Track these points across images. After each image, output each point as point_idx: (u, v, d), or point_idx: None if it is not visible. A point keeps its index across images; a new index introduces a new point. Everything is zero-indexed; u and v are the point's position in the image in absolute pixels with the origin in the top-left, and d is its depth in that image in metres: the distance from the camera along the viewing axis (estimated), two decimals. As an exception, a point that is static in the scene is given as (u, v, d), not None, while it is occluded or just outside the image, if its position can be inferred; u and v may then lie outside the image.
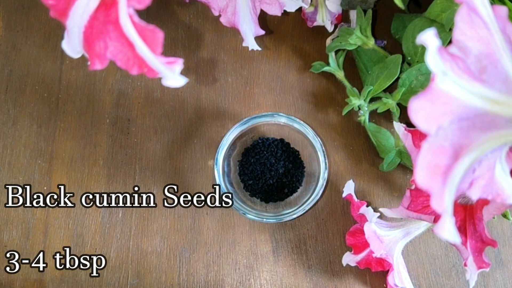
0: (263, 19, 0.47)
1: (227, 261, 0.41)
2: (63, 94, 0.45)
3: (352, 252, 0.39)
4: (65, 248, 0.41)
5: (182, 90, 0.45)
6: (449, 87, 0.19)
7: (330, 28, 0.45)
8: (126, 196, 0.43)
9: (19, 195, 0.43)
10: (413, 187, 0.32)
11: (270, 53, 0.47)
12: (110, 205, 0.42)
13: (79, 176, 0.43)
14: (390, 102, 0.40)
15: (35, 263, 0.41)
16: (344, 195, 0.39)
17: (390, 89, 0.41)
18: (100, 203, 0.43)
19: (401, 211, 0.33)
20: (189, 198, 0.43)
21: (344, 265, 0.39)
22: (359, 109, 0.42)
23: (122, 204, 0.42)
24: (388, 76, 0.40)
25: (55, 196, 0.43)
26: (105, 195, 0.43)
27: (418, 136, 0.30)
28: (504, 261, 0.42)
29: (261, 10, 0.41)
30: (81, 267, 0.41)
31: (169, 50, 0.47)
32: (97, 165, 0.43)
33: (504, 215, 0.36)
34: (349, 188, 0.39)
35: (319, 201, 0.42)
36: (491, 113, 0.20)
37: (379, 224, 0.37)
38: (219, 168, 0.40)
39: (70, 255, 0.41)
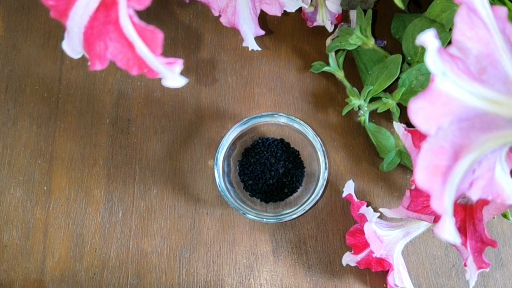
0: (263, 19, 0.47)
1: (227, 261, 0.41)
2: (63, 94, 0.45)
3: (352, 252, 0.39)
4: (65, 248, 0.41)
5: (182, 90, 0.45)
6: (448, 87, 0.19)
7: (330, 28, 0.45)
8: (126, 196, 0.43)
9: (19, 195, 0.43)
10: (413, 187, 0.32)
11: (270, 53, 0.47)
12: (110, 205, 0.42)
13: (79, 176, 0.43)
14: (390, 102, 0.40)
15: (35, 263, 0.41)
16: (344, 195, 0.39)
17: (390, 89, 0.41)
18: (100, 203, 0.43)
19: (401, 211, 0.33)
20: (189, 198, 0.43)
21: (344, 265, 0.39)
22: (359, 109, 0.42)
23: (122, 204, 0.43)
24: (388, 76, 0.40)
25: (55, 196, 0.43)
26: (105, 195, 0.43)
27: (418, 136, 0.30)
28: (504, 261, 0.42)
29: (261, 10, 0.41)
30: (81, 267, 0.41)
31: (169, 50, 0.47)
32: (97, 165, 0.43)
33: (504, 215, 0.36)
34: (349, 188, 0.39)
35: (319, 201, 0.42)
36: (491, 113, 0.20)
37: (379, 224, 0.37)
38: (219, 168, 0.40)
39: (70, 255, 0.41)
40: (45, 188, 0.43)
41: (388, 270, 0.37)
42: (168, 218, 0.42)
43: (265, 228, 0.42)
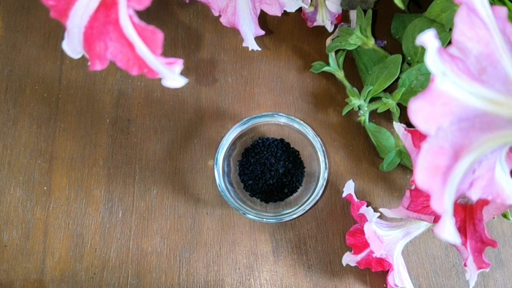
0: (263, 19, 0.47)
1: (227, 261, 0.41)
2: (63, 94, 0.45)
3: (352, 252, 0.39)
4: (65, 248, 0.41)
5: (182, 90, 0.45)
6: (448, 87, 0.19)
7: (330, 28, 0.45)
8: (126, 196, 0.43)
9: (19, 195, 0.43)
10: (413, 187, 0.32)
11: (270, 53, 0.47)
12: (110, 205, 0.42)
13: (79, 176, 0.43)
14: (390, 102, 0.40)
15: (35, 263, 0.41)
16: (344, 195, 0.39)
17: (390, 89, 0.41)
18: (100, 203, 0.43)
19: (401, 211, 0.33)
20: (189, 198, 0.43)
21: (344, 265, 0.39)
22: (359, 109, 0.42)
23: (122, 204, 0.43)
24: (388, 76, 0.40)
25: (55, 196, 0.43)
26: (105, 195, 0.43)
27: (418, 137, 0.30)
28: (504, 261, 0.42)
29: (261, 10, 0.41)
30: (81, 267, 0.41)
31: (169, 50, 0.47)
32: (97, 165, 0.43)
33: (504, 215, 0.36)
34: (349, 188, 0.39)
35: (319, 201, 0.42)
36: (491, 113, 0.20)
37: (379, 224, 0.37)
38: (219, 168, 0.40)
39: (70, 255, 0.41)
40: (45, 188, 0.43)
41: (388, 270, 0.37)
42: (168, 218, 0.42)
43: (265, 228, 0.42)
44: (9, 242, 0.42)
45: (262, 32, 0.41)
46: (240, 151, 0.43)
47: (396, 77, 0.40)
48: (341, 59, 0.44)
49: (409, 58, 0.41)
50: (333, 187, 0.43)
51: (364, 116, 0.42)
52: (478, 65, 0.20)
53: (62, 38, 0.26)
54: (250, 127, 0.41)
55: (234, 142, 0.42)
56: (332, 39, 0.45)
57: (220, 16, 0.41)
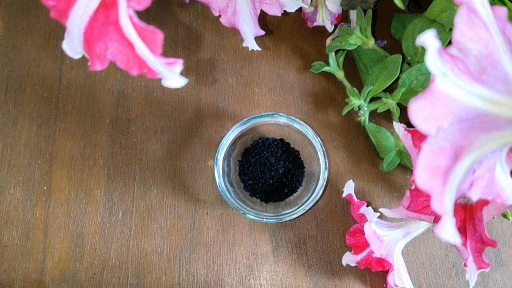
0: (263, 19, 0.47)
1: (227, 261, 0.41)
2: (63, 94, 0.45)
3: (352, 252, 0.39)
4: (65, 248, 0.41)
5: (182, 90, 0.45)
6: (449, 88, 0.19)
7: (330, 28, 0.45)
8: (126, 196, 0.43)
9: (19, 195, 0.43)
10: (413, 187, 0.32)
11: (270, 53, 0.47)
12: (110, 205, 0.42)
13: (79, 176, 0.43)
14: (390, 102, 0.40)
15: (35, 263, 0.41)
16: (344, 195, 0.39)
17: (390, 89, 0.41)
18: (100, 203, 0.43)
19: (401, 211, 0.33)
20: (189, 198, 0.43)
21: (344, 265, 0.39)
22: (359, 109, 0.42)
23: (122, 204, 0.43)
24: (388, 76, 0.40)
25: (55, 196, 0.43)
26: (105, 195, 0.43)
27: (418, 137, 0.30)
28: (504, 261, 0.42)
29: (261, 10, 0.41)
30: (81, 267, 0.41)
31: (169, 50, 0.47)
32: (97, 165, 0.43)
33: (504, 215, 0.36)
34: (349, 188, 0.39)
35: (319, 201, 0.42)
36: (491, 114, 0.20)
37: (379, 224, 0.37)
38: (219, 168, 0.40)
39: (70, 255, 0.41)
40: (45, 188, 0.43)
41: (388, 270, 0.37)
42: (168, 218, 0.42)
43: (265, 228, 0.42)
44: (9, 242, 0.42)
45: (262, 32, 0.41)
46: (240, 151, 0.43)
47: (396, 77, 0.40)
48: (341, 59, 0.44)
49: (409, 58, 0.41)
50: (333, 187, 0.43)
51: (364, 116, 0.42)
52: (478, 65, 0.20)
53: (62, 38, 0.26)
54: (250, 127, 0.41)
55: (234, 142, 0.42)
56: (332, 39, 0.45)
57: (220, 16, 0.40)
